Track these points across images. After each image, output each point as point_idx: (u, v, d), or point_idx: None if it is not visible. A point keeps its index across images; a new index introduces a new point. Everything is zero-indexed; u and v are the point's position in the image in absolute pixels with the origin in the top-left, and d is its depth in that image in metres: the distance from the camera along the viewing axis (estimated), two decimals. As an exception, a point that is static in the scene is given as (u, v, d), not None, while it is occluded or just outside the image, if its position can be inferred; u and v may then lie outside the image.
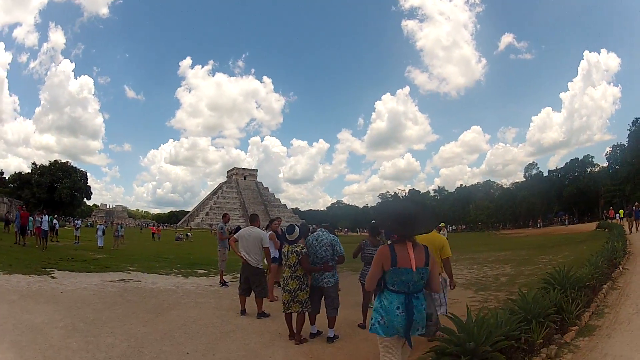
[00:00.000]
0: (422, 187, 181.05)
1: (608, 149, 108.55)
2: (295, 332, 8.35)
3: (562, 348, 6.60)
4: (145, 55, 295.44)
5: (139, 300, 11.43)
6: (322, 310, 8.66)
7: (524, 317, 6.82)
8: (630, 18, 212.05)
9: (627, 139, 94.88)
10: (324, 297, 8.64)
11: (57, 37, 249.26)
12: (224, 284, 15.05)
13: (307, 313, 8.48)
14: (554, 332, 7.02)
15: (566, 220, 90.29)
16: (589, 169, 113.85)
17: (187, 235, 62.91)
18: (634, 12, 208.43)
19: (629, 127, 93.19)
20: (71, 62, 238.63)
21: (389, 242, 5.25)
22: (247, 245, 10.55)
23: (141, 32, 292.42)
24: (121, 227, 36.94)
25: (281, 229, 14.65)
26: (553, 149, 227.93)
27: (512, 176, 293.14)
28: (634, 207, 34.86)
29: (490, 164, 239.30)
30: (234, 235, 11.20)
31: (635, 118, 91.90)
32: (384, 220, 6.12)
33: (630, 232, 31.00)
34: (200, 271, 18.80)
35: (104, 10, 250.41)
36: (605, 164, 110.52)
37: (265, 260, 11.04)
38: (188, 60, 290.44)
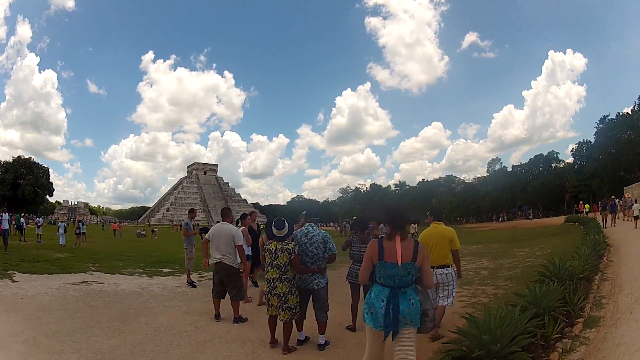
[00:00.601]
0: (382, 182, 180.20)
1: (573, 146, 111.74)
2: (283, 340, 7.45)
3: (574, 341, 6.57)
4: (109, 49, 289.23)
5: (103, 306, 10.53)
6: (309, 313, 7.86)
7: (536, 312, 6.69)
8: (598, 19, 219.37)
9: (594, 136, 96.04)
10: (312, 299, 7.77)
11: (24, 30, 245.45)
12: (191, 284, 14.24)
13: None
14: (565, 326, 6.95)
15: (531, 215, 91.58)
16: (553, 165, 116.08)
17: (152, 231, 61.93)
18: (602, 13, 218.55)
19: (596, 125, 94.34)
20: (36, 55, 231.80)
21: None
22: (219, 244, 9.55)
23: (105, 26, 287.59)
24: (82, 224, 35.58)
25: (257, 224, 14.03)
26: (514, 146, 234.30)
27: (472, 171, 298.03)
28: (609, 201, 35.38)
29: (451, 160, 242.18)
30: (205, 236, 10.16)
31: (603, 116, 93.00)
32: (376, 213, 6.63)
33: (605, 226, 31.43)
34: (164, 270, 17.96)
35: (70, 4, 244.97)
36: (570, 160, 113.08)
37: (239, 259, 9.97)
38: (150, 55, 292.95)
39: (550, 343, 6.20)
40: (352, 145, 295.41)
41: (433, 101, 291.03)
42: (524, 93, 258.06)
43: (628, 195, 42.71)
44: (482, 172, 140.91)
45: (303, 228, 8.01)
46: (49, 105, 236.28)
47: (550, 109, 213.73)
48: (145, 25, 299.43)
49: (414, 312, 4.78)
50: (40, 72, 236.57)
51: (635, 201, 33.05)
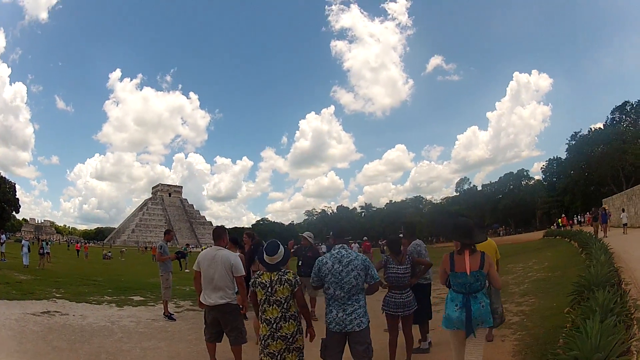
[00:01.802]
0: (346, 204, 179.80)
1: (542, 164, 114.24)
2: None
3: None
4: (78, 64, 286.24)
5: (68, 348, 8.52)
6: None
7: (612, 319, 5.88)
8: (564, 39, 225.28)
9: (565, 152, 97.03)
10: (349, 345, 5.72)
11: None
12: (169, 317, 12.31)
13: None
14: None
15: (501, 232, 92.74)
16: (524, 182, 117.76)
17: (121, 252, 59.93)
18: (568, 34, 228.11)
19: (567, 141, 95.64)
20: (8, 67, 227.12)
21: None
22: (214, 275, 7.22)
23: (76, 41, 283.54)
24: (47, 243, 33.24)
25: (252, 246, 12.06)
26: (478, 166, 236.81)
27: (437, 192, 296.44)
28: (599, 211, 35.00)
29: (415, 181, 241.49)
30: (194, 267, 7.56)
31: (575, 132, 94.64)
32: (448, 231, 6.47)
33: (597, 236, 30.44)
34: (135, 298, 15.90)
35: (44, 15, 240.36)
36: (539, 177, 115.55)
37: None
38: (118, 73, 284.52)
39: (629, 348, 5.51)
40: (316, 169, 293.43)
41: (397, 124, 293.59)
42: (488, 114, 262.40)
43: (606, 207, 42.74)
44: (447, 192, 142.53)
45: (334, 252, 5.90)
46: (17, 119, 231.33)
47: (515, 129, 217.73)
48: (114, 43, 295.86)
49: (484, 314, 5.39)
50: (10, 84, 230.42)
51: (623, 210, 36.04)
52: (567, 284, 11.64)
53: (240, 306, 7.62)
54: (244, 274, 7.64)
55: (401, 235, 8.40)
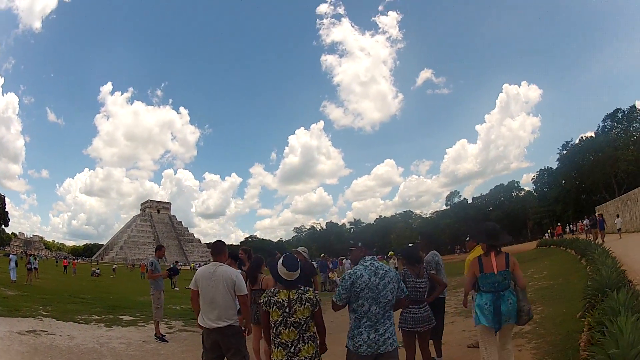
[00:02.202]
0: (335, 221, 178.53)
1: (532, 175, 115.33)
2: None
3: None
4: (70, 76, 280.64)
5: None
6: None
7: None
8: (552, 50, 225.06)
9: (556, 162, 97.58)
10: None
11: None
12: (161, 338, 11.77)
13: None
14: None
15: None
16: (514, 193, 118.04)
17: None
18: (556, 44, 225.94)
19: (558, 151, 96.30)
20: (1, 76, 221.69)
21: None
22: (214, 295, 6.41)
23: (68, 52, 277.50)
24: (34, 258, 32.56)
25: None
26: (468, 179, 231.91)
27: (426, 207, 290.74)
28: (597, 218, 35.36)
29: (404, 196, 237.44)
30: (191, 285, 6.72)
31: (566, 141, 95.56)
32: (479, 234, 6.74)
33: (596, 242, 30.44)
34: (124, 317, 15.36)
35: (38, 24, 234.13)
36: (529, 188, 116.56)
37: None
38: (109, 86, 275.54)
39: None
40: (304, 185, 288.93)
41: (386, 139, 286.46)
42: (478, 127, 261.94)
43: (601, 213, 42.19)
44: (436, 207, 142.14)
45: (366, 263, 5.28)
46: (9, 130, 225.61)
47: (504, 141, 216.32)
48: (106, 55, 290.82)
49: (512, 310, 5.88)
50: (3, 94, 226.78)
51: (617, 216, 37.37)
52: (573, 290, 11.44)
53: (243, 328, 6.87)
54: (247, 292, 6.86)
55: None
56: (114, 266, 62.51)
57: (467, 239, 8.95)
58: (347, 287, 5.11)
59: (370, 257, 5.37)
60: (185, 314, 16.55)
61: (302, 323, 4.95)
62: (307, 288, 5.18)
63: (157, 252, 13.34)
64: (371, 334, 5.01)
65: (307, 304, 4.99)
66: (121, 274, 59.74)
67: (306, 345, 4.94)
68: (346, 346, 5.20)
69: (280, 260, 5.18)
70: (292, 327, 4.93)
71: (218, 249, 6.99)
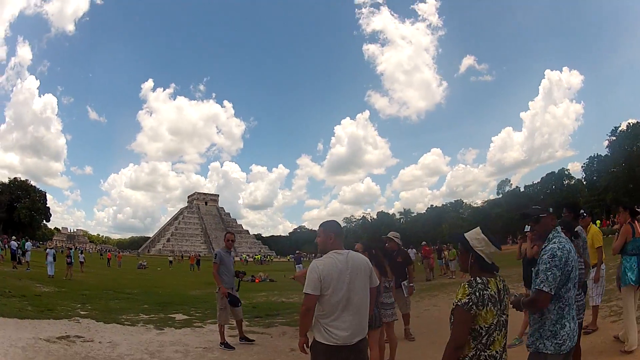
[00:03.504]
0: (384, 210, 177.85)
1: (577, 163, 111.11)
2: None
3: None
4: (109, 75, 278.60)
5: None
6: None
7: None
8: (591, 34, 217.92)
9: (606, 149, 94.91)
10: None
11: (25, 52, 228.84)
12: (226, 345, 9.43)
13: None
14: None
15: None
16: (565, 182, 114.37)
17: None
18: (595, 30, 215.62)
19: (607, 137, 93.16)
20: (36, 79, 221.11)
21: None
22: (350, 295, 4.47)
23: (105, 52, 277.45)
24: (81, 252, 31.47)
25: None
26: (514, 168, 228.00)
27: (473, 196, 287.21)
28: None
29: (451, 186, 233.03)
30: (309, 289, 4.47)
31: (614, 127, 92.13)
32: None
33: None
34: (177, 317, 13.21)
35: (71, 27, 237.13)
36: (577, 178, 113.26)
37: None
38: (150, 83, 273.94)
39: None
40: (352, 175, 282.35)
41: (432, 127, 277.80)
42: (522, 115, 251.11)
43: None
44: (483, 196, 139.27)
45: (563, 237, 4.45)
46: (49, 130, 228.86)
47: (549, 129, 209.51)
48: (144, 53, 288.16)
49: None
50: (40, 95, 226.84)
51: None
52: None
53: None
54: (377, 284, 5.04)
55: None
56: (170, 258, 61.32)
57: (583, 215, 8.82)
58: (562, 266, 4.22)
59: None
60: (247, 310, 14.32)
61: (507, 321, 3.78)
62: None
63: (226, 240, 10.44)
64: (572, 324, 4.31)
65: (507, 294, 3.85)
66: (167, 266, 58.75)
67: (505, 354, 3.75)
68: (538, 351, 4.26)
69: (477, 231, 3.82)
70: (503, 330, 3.73)
71: (337, 230, 4.88)
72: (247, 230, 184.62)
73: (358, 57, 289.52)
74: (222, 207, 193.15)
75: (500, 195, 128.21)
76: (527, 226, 9.32)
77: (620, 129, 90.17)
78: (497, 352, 3.63)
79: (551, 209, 4.64)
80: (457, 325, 3.59)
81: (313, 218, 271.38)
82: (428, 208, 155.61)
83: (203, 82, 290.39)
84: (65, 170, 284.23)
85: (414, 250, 36.42)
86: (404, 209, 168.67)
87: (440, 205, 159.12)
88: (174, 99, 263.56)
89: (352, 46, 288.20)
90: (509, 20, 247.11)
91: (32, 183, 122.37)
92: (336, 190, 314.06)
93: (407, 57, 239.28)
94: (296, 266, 38.56)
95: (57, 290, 18.40)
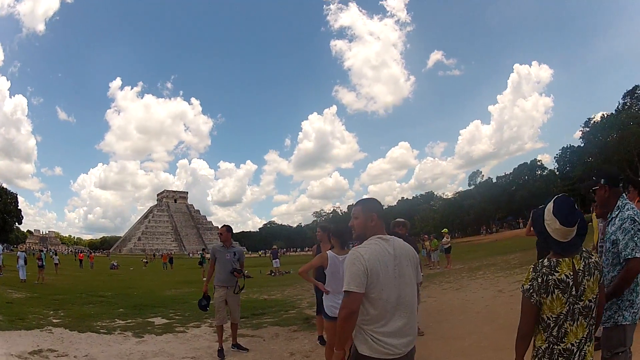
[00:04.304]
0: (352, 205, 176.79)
1: (548, 155, 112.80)
2: None
3: None
4: (78, 75, 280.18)
5: None
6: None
7: None
8: (562, 30, 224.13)
9: (580, 140, 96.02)
10: None
11: None
12: (220, 354, 8.43)
13: None
14: None
15: (520, 224, 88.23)
16: (538, 172, 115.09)
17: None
18: (565, 25, 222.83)
19: (581, 128, 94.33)
20: (7, 80, 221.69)
21: None
22: (400, 291, 3.48)
23: (74, 51, 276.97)
24: (55, 253, 30.20)
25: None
26: (483, 161, 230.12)
27: (442, 189, 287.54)
28: None
29: (419, 179, 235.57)
30: (353, 286, 3.34)
31: (588, 118, 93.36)
32: None
33: None
34: (156, 321, 12.13)
35: (41, 27, 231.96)
36: (550, 169, 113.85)
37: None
38: (118, 82, 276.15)
39: None
40: (320, 170, 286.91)
41: (400, 122, 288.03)
42: (490, 108, 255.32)
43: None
44: (452, 188, 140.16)
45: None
46: (19, 131, 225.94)
47: (518, 121, 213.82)
48: (113, 51, 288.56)
49: None
50: (10, 97, 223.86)
51: None
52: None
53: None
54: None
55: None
56: (145, 260, 59.48)
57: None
58: None
59: None
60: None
61: (593, 307, 3.15)
62: (587, 248, 3.31)
63: (222, 235, 9.30)
64: None
65: (596, 272, 3.16)
66: (140, 265, 57.23)
67: (591, 345, 3.18)
68: (617, 324, 3.94)
69: (550, 207, 3.24)
70: (580, 318, 3.13)
71: (382, 208, 4.01)
72: (217, 227, 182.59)
73: (325, 52, 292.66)
74: (192, 205, 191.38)
75: (472, 187, 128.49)
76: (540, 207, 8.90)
77: (594, 120, 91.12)
78: (572, 344, 3.09)
79: (603, 180, 4.24)
80: (522, 313, 3.25)
81: (282, 213, 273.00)
82: (399, 200, 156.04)
83: (170, 79, 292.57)
84: (36, 172, 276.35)
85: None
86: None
87: (410, 197, 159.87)
88: (142, 97, 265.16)
89: (320, 42, 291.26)
90: (478, 16, 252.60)
91: (4, 185, 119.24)
92: (304, 185, 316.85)
93: (374, 52, 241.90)
94: (273, 261, 37.49)
95: (28, 296, 17.22)
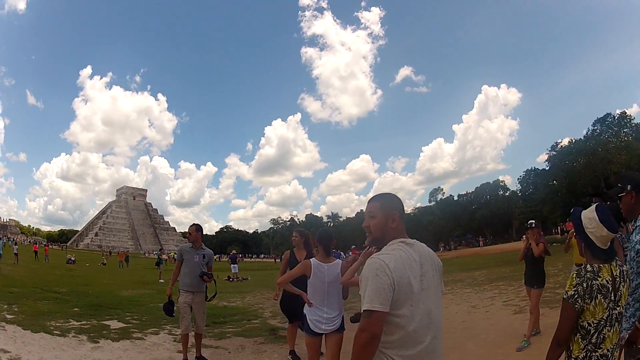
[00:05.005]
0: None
1: (508, 177, 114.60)
2: None
3: None
4: (51, 59, 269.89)
5: None
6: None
7: None
8: (533, 56, 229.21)
9: (545, 163, 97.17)
10: None
11: None
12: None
13: None
14: None
15: (480, 242, 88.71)
16: (500, 192, 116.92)
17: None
18: (537, 51, 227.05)
19: (548, 151, 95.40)
20: None
21: None
22: (430, 305, 2.86)
23: (51, 34, 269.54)
24: (15, 243, 29.07)
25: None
26: (443, 178, 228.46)
27: None
28: None
29: (378, 192, 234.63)
30: (377, 304, 2.61)
31: (555, 142, 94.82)
32: None
33: None
34: (112, 324, 11.43)
35: (22, 6, 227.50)
36: (512, 189, 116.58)
37: None
38: (88, 70, 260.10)
39: None
40: (279, 177, 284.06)
41: (363, 134, 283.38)
42: (455, 127, 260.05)
43: None
44: (410, 204, 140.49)
45: None
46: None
47: (481, 142, 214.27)
48: (88, 38, 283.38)
49: None
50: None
51: None
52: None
53: None
54: None
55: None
56: (104, 260, 57.48)
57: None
58: None
59: None
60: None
61: (623, 313, 3.30)
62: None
63: (191, 235, 8.65)
64: None
65: (628, 280, 3.28)
66: (97, 261, 55.66)
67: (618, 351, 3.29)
68: None
69: (594, 216, 3.22)
70: (616, 324, 3.16)
71: (397, 204, 3.31)
72: (174, 228, 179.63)
73: (295, 59, 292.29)
74: (150, 203, 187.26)
75: (433, 203, 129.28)
76: (530, 221, 9.49)
77: (561, 144, 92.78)
78: (608, 350, 3.12)
79: (629, 186, 4.00)
80: (561, 320, 3.17)
81: (239, 218, 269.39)
82: (358, 212, 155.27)
83: (140, 72, 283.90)
84: (2, 156, 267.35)
85: (342, 254, 35.42)
86: (332, 213, 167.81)
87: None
88: (110, 89, 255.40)
89: (291, 48, 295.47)
90: (451, 36, 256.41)
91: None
92: (263, 191, 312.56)
93: (344, 63, 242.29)
94: (231, 266, 36.72)
95: (-21, 289, 16.16)
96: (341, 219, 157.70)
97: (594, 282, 3.04)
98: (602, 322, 3.06)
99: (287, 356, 8.75)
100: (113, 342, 9.55)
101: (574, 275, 3.15)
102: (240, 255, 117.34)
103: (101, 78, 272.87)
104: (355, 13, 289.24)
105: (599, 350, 3.06)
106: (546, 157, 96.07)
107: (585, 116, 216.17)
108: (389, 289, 2.68)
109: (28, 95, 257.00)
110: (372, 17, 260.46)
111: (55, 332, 9.84)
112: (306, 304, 5.75)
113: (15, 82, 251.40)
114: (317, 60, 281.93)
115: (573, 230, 9.45)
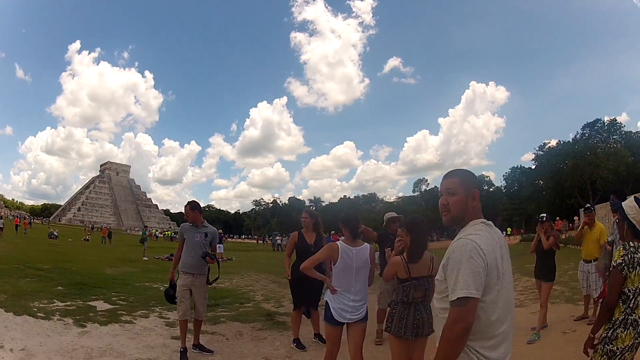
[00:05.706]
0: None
1: (492, 173, 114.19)
2: None
3: None
4: (41, 32, 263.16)
5: None
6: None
7: None
8: (524, 57, 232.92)
9: (532, 161, 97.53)
10: None
11: None
12: (183, 357, 7.14)
13: None
14: None
15: None
16: (485, 188, 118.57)
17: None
18: (528, 52, 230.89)
19: (535, 151, 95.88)
20: None
21: None
22: (510, 294, 2.64)
23: (40, 6, 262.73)
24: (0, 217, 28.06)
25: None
26: (426, 170, 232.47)
27: (382, 192, 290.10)
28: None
29: (360, 179, 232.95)
30: (471, 291, 2.35)
31: (543, 142, 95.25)
32: None
33: None
34: (98, 306, 10.59)
35: None
36: (497, 185, 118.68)
37: None
38: (77, 44, 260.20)
39: None
40: (262, 159, 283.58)
41: (348, 121, 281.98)
42: (440, 120, 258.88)
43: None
44: (392, 193, 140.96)
45: None
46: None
47: (466, 137, 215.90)
48: (79, 12, 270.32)
49: None
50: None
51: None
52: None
53: None
54: None
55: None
56: (88, 236, 55.80)
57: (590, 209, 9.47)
58: None
59: None
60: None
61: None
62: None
63: (188, 215, 7.74)
64: None
65: None
66: (80, 237, 54.45)
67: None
68: None
69: (631, 199, 3.89)
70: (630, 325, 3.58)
71: (473, 182, 3.00)
72: (157, 205, 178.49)
73: (284, 43, 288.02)
74: (133, 179, 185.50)
75: (417, 194, 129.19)
76: (542, 215, 9.37)
77: (549, 145, 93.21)
78: (639, 316, 3.58)
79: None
80: (612, 287, 3.66)
81: (221, 198, 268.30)
82: (341, 198, 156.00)
83: (128, 49, 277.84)
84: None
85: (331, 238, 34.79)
86: (314, 197, 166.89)
87: (350, 197, 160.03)
88: (98, 64, 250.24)
89: (280, 32, 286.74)
90: (442, 30, 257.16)
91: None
92: (245, 173, 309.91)
93: (333, 50, 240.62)
94: (217, 246, 35.86)
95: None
96: (323, 204, 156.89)
97: (635, 255, 3.64)
98: (638, 290, 3.58)
99: (290, 344, 8.11)
100: (101, 326, 8.75)
101: (621, 248, 3.75)
102: (225, 235, 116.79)
103: (89, 53, 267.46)
104: (348, 1, 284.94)
105: (634, 315, 3.56)
106: (532, 156, 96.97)
107: (573, 120, 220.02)
108: (484, 273, 2.43)
109: (17, 68, 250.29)
110: (364, 6, 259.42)
111: (39, 314, 9.00)
112: (327, 291, 5.21)
113: (5, 56, 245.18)
114: (306, 45, 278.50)
115: (584, 222, 9.11)
